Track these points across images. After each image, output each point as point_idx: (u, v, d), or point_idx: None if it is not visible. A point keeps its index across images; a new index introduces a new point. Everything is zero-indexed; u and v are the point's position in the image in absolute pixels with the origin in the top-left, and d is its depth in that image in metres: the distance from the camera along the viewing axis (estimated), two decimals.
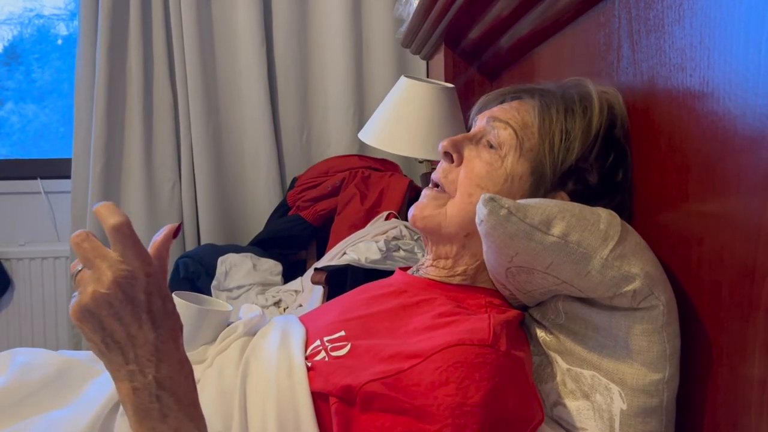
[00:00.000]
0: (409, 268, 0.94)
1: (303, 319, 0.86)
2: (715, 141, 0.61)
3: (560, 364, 0.75)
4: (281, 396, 0.69)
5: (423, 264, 0.88)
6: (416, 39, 1.65)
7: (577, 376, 0.73)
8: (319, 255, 2.10)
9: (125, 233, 0.54)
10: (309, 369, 0.71)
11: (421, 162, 1.93)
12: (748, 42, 0.56)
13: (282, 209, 2.33)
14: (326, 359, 0.72)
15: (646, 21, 0.75)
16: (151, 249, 0.57)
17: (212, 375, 0.74)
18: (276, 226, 2.26)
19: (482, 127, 0.83)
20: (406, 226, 1.80)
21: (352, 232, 1.90)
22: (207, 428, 0.58)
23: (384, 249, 1.61)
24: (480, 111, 0.88)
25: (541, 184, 0.78)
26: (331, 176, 2.22)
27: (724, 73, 0.60)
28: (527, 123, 0.80)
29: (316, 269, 1.54)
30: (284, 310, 1.72)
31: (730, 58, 0.59)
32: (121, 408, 0.71)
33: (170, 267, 2.08)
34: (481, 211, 0.68)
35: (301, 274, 1.90)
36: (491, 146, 0.80)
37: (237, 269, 1.95)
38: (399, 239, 1.75)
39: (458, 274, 0.82)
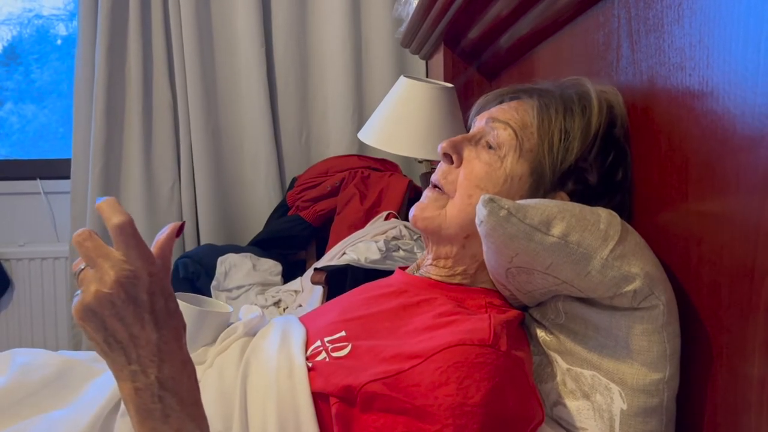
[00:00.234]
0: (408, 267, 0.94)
1: (303, 320, 0.86)
2: (715, 140, 0.61)
3: (560, 363, 0.75)
4: (282, 396, 0.69)
5: (423, 263, 0.88)
6: (415, 39, 1.65)
7: (577, 375, 0.73)
8: (319, 255, 2.10)
9: (128, 232, 0.53)
10: (310, 369, 0.71)
11: (420, 162, 1.93)
12: (747, 41, 0.56)
13: (281, 209, 2.33)
14: (327, 360, 0.72)
15: (646, 20, 0.75)
16: (154, 248, 0.57)
17: (212, 376, 0.74)
18: (275, 226, 2.26)
19: (481, 128, 0.83)
20: (405, 226, 1.80)
21: (352, 232, 1.90)
22: (209, 429, 0.58)
23: (384, 249, 1.61)
24: (479, 111, 0.88)
25: (541, 185, 0.78)
26: (330, 176, 2.22)
27: (724, 73, 0.60)
28: (526, 123, 0.80)
29: (315, 269, 1.54)
30: (284, 310, 1.72)
31: (729, 58, 0.59)
32: (121, 408, 0.71)
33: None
34: (480, 212, 0.68)
35: (301, 274, 1.90)
36: (490, 147, 0.80)
37: (237, 269, 1.95)
38: (399, 239, 1.75)
39: (458, 274, 0.82)
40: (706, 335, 0.65)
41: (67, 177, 2.46)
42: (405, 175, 2.23)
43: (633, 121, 0.80)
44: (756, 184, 0.56)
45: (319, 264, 1.73)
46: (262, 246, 2.19)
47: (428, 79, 1.52)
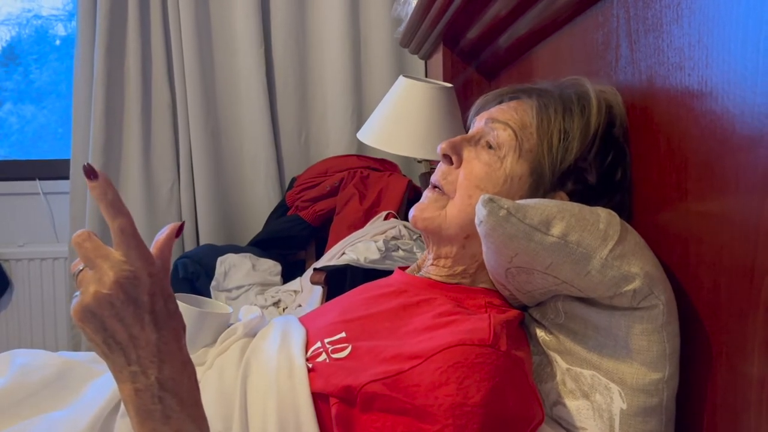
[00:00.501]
0: (408, 267, 0.94)
1: (303, 320, 0.86)
2: (714, 140, 0.62)
3: (560, 363, 0.75)
4: (282, 397, 0.69)
5: (424, 264, 0.88)
6: (415, 39, 1.65)
7: (577, 375, 0.73)
8: (318, 255, 2.10)
9: (129, 233, 0.53)
10: (310, 370, 0.71)
11: (419, 162, 1.93)
12: (746, 41, 0.56)
13: (281, 209, 2.33)
14: (327, 361, 0.72)
15: (645, 20, 0.75)
16: (153, 248, 0.56)
17: (212, 376, 0.74)
18: (275, 227, 2.26)
19: (481, 128, 0.83)
20: (405, 226, 1.80)
21: (351, 232, 1.90)
22: (209, 429, 0.58)
23: (383, 249, 1.61)
24: (478, 112, 0.88)
25: (541, 185, 0.78)
26: (329, 176, 2.22)
27: (723, 73, 0.60)
28: (526, 123, 0.80)
29: (315, 269, 1.54)
30: (283, 310, 1.72)
31: (728, 57, 0.59)
32: (121, 409, 0.71)
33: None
34: (480, 212, 0.68)
35: (301, 275, 1.90)
36: (490, 147, 0.80)
37: (236, 269, 1.95)
38: (398, 239, 1.75)
39: (458, 274, 0.82)
40: (706, 335, 0.65)
41: (67, 177, 2.46)
42: (404, 175, 2.23)
43: (632, 120, 0.80)
44: (755, 183, 0.56)
45: (319, 264, 1.73)
46: (262, 246, 2.19)
47: (427, 79, 1.52)
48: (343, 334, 0.76)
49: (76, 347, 2.44)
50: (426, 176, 1.75)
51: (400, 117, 1.44)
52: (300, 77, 2.50)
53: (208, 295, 1.87)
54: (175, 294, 0.74)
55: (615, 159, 0.79)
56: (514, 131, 0.79)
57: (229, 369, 0.75)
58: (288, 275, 2.00)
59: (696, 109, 0.64)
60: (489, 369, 0.64)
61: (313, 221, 2.19)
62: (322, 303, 1.44)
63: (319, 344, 0.75)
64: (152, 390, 0.53)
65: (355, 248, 1.65)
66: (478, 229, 0.70)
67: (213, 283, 1.93)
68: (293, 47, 2.48)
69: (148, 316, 0.54)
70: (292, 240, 2.22)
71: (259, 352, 0.76)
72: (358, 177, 2.15)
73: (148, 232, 2.38)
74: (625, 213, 0.79)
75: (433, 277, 0.84)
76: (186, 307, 0.79)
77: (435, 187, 0.84)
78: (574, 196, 0.78)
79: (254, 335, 0.82)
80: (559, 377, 0.75)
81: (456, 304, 0.77)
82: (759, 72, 0.54)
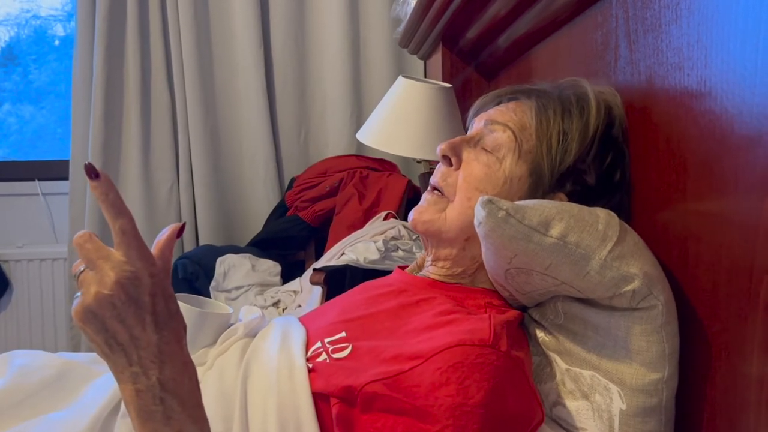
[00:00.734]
0: (408, 266, 0.94)
1: (303, 320, 0.86)
2: (713, 140, 0.62)
3: (559, 364, 0.75)
4: (282, 397, 0.69)
5: (423, 264, 0.88)
6: (414, 39, 1.65)
7: (577, 376, 0.73)
8: (318, 255, 2.10)
9: (130, 233, 0.53)
10: (310, 370, 0.71)
11: (419, 162, 1.93)
12: (745, 41, 0.56)
13: (280, 210, 2.33)
14: (327, 361, 0.72)
15: (644, 20, 0.75)
16: (154, 249, 0.56)
17: (213, 377, 0.74)
18: (274, 227, 2.26)
19: (480, 130, 0.83)
20: (404, 226, 1.80)
21: (351, 233, 1.90)
22: (210, 430, 0.58)
23: (382, 249, 1.61)
24: (477, 113, 0.88)
25: (540, 186, 0.78)
26: (329, 176, 2.22)
27: (722, 72, 0.60)
28: (525, 125, 0.80)
29: (314, 270, 1.54)
30: (283, 310, 1.72)
31: (727, 57, 0.59)
32: (121, 410, 0.71)
33: None
34: (479, 213, 0.68)
35: (300, 275, 1.90)
36: (490, 148, 0.80)
37: (236, 270, 1.95)
38: (397, 239, 1.75)
39: (457, 275, 0.82)
40: (705, 335, 0.65)
41: (66, 178, 2.45)
42: (403, 175, 2.23)
43: (631, 121, 0.80)
44: (754, 183, 0.56)
45: (318, 264, 1.73)
46: (261, 246, 2.19)
47: (426, 79, 1.53)
48: (343, 334, 0.76)
49: (75, 348, 2.44)
50: (425, 176, 1.75)
51: (400, 117, 1.44)
52: (299, 77, 2.50)
53: (208, 296, 1.87)
54: (175, 294, 0.74)
55: (614, 160, 0.79)
56: (514, 133, 0.79)
57: (229, 369, 0.75)
58: (287, 275, 2.00)
59: (695, 109, 0.64)
60: (489, 369, 0.64)
61: (312, 221, 2.19)
62: (321, 303, 1.44)
63: (319, 344, 0.75)
64: (153, 391, 0.53)
65: (354, 248, 1.65)
66: (477, 231, 0.70)
67: (212, 283, 1.93)
68: (292, 47, 2.48)
69: (149, 316, 0.53)
70: (291, 240, 2.22)
71: (260, 353, 0.76)
72: (357, 177, 2.15)
73: (147, 232, 2.37)
74: (624, 213, 0.79)
75: (433, 277, 0.84)
76: (186, 307, 0.79)
77: (434, 189, 0.84)
78: (573, 197, 0.78)
79: (254, 335, 0.82)
80: (558, 378, 0.75)
81: (456, 304, 0.77)
82: (758, 72, 0.54)
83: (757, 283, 0.56)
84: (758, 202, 0.55)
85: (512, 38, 1.23)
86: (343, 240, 1.85)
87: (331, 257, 1.74)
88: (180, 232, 0.58)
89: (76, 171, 2.41)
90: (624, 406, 0.68)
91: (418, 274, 0.88)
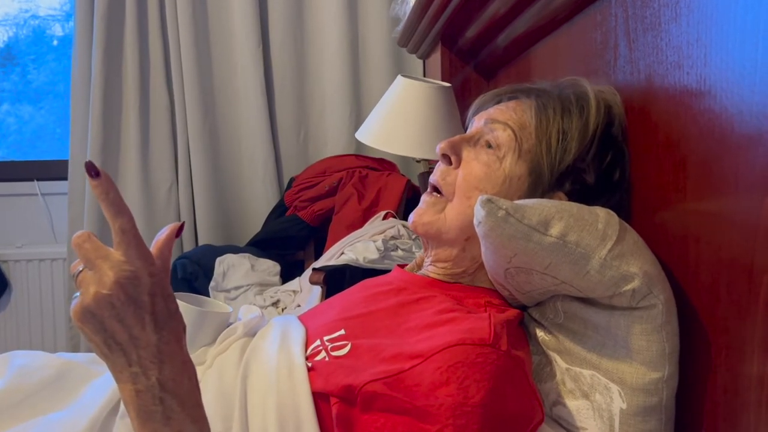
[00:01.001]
0: (407, 265, 0.94)
1: (302, 318, 0.86)
2: (712, 139, 0.62)
3: (559, 363, 0.75)
4: (282, 396, 0.69)
5: (423, 263, 0.88)
6: (413, 38, 1.65)
7: (577, 375, 0.73)
8: (317, 255, 2.10)
9: (130, 232, 0.53)
10: (309, 369, 0.71)
11: (418, 161, 1.92)
12: (745, 39, 0.56)
13: (279, 209, 2.33)
14: (326, 359, 0.72)
15: (643, 19, 0.75)
16: (153, 248, 0.56)
17: (212, 376, 0.74)
18: (274, 227, 2.26)
19: (480, 128, 0.83)
20: (403, 226, 1.80)
21: (350, 232, 1.90)
22: (210, 430, 0.58)
23: (382, 249, 1.61)
24: (477, 111, 0.88)
25: (539, 185, 0.78)
26: (328, 176, 2.22)
27: (721, 71, 0.60)
28: (525, 124, 0.79)
29: (314, 269, 1.54)
30: (282, 310, 1.72)
31: (726, 56, 0.59)
32: (120, 410, 0.71)
33: None
34: (479, 213, 0.68)
35: (299, 275, 1.90)
36: (490, 146, 0.80)
37: (235, 270, 1.95)
38: (397, 239, 1.75)
39: (457, 275, 0.82)
40: (705, 334, 0.65)
41: (65, 178, 2.45)
42: (403, 175, 2.23)
43: (631, 120, 0.80)
44: (754, 182, 0.56)
45: (318, 264, 1.73)
46: (261, 246, 2.19)
47: (425, 79, 1.52)
48: (342, 332, 0.75)
49: (74, 348, 2.44)
50: (424, 176, 1.74)
51: (399, 116, 1.43)
52: (298, 77, 2.50)
53: (207, 296, 1.86)
54: (175, 293, 0.73)
55: (613, 159, 0.79)
56: (514, 131, 0.79)
57: (228, 369, 0.75)
58: (287, 275, 2.00)
59: (694, 107, 0.64)
60: (489, 369, 0.64)
61: (311, 221, 2.19)
62: (321, 303, 1.44)
63: (318, 342, 0.75)
64: (153, 391, 0.53)
65: (353, 248, 1.65)
66: (477, 230, 0.70)
67: (212, 283, 1.93)
68: (291, 46, 2.48)
69: (148, 316, 0.53)
70: (290, 240, 2.22)
71: (259, 352, 0.76)
72: (356, 177, 2.15)
73: (146, 232, 2.37)
74: (624, 212, 0.79)
75: (432, 276, 0.84)
76: (186, 306, 0.79)
77: (433, 189, 0.83)
78: (572, 196, 0.78)
79: (254, 335, 0.82)
80: (558, 377, 0.75)
81: (455, 302, 0.77)
82: (757, 70, 0.54)
83: (757, 281, 0.55)
84: (758, 201, 0.55)
85: (511, 37, 1.23)
86: (343, 240, 1.85)
87: (331, 257, 1.74)
88: (179, 231, 0.58)
89: (75, 171, 2.41)
90: (624, 406, 0.68)
91: (417, 273, 0.87)
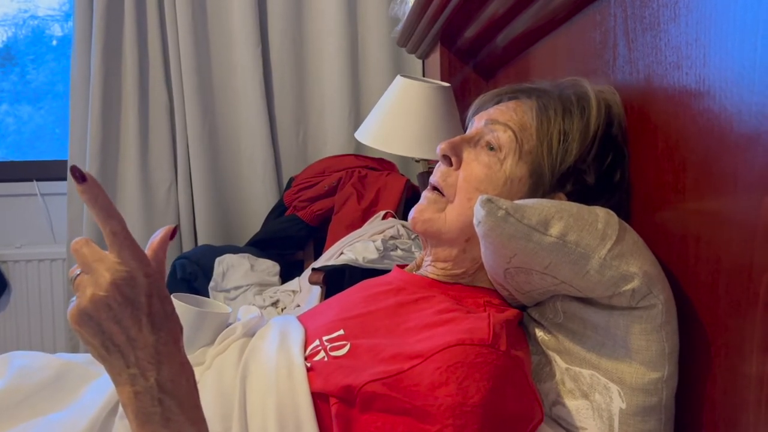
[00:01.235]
0: (407, 265, 0.93)
1: (302, 318, 0.86)
2: (711, 139, 0.62)
3: (559, 363, 0.75)
4: (281, 397, 0.69)
5: (422, 264, 0.88)
6: (412, 38, 1.65)
7: (576, 375, 0.73)
8: (317, 255, 2.10)
9: (121, 235, 0.54)
10: (308, 369, 0.71)
11: (417, 161, 1.92)
12: (744, 39, 0.56)
13: (279, 209, 2.32)
14: (325, 359, 0.72)
15: (642, 19, 0.75)
16: (148, 251, 0.56)
17: (211, 377, 0.74)
18: (273, 227, 2.26)
19: (480, 129, 0.82)
20: (403, 225, 1.80)
21: (350, 232, 1.90)
22: (209, 431, 0.58)
23: (381, 248, 1.61)
24: (477, 112, 0.87)
25: (540, 186, 0.78)
26: (327, 176, 2.22)
27: (720, 71, 0.60)
28: (525, 125, 0.79)
29: (313, 269, 1.54)
30: (282, 310, 1.72)
31: (725, 56, 0.59)
32: (119, 410, 0.71)
33: (167, 268, 2.08)
34: (478, 213, 0.68)
35: (299, 275, 1.90)
36: (491, 148, 0.80)
37: (234, 270, 1.95)
38: (396, 238, 1.75)
39: (457, 275, 0.82)
40: (705, 334, 0.65)
41: (64, 178, 2.45)
42: (402, 175, 2.23)
43: (630, 120, 0.80)
44: (753, 182, 0.56)
45: (317, 264, 1.73)
46: (260, 246, 2.19)
47: (425, 79, 1.52)
48: (342, 332, 0.75)
49: (74, 348, 2.44)
50: (424, 176, 1.74)
51: (398, 116, 1.43)
52: (297, 76, 2.50)
53: (207, 296, 1.86)
54: (174, 294, 0.73)
55: (614, 160, 0.79)
56: (515, 133, 0.79)
57: (228, 369, 0.75)
58: (286, 275, 2.00)
59: (693, 107, 0.64)
60: (489, 369, 0.64)
61: (311, 221, 2.19)
62: (320, 303, 1.44)
63: (317, 342, 0.75)
64: (152, 392, 0.53)
65: (353, 248, 1.65)
66: (477, 230, 0.70)
67: (211, 283, 1.93)
68: (290, 46, 2.48)
69: (145, 317, 0.53)
70: (290, 240, 2.22)
71: (258, 352, 0.76)
72: (356, 177, 2.15)
73: (145, 233, 2.37)
74: (623, 212, 0.79)
75: (432, 277, 0.84)
76: (185, 306, 0.79)
77: (434, 188, 0.83)
78: (572, 197, 0.78)
79: (253, 335, 0.82)
80: (558, 377, 0.75)
81: (455, 302, 0.77)
82: (756, 70, 0.54)
83: (757, 281, 0.56)
84: (757, 201, 0.55)
85: (510, 37, 1.23)
86: (342, 239, 1.85)
87: (330, 257, 1.73)
88: (173, 234, 0.58)
89: None
90: (624, 405, 0.68)
91: (416, 273, 0.87)
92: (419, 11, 1.45)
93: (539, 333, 0.79)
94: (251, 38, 2.40)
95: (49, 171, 2.57)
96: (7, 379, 0.78)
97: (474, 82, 1.57)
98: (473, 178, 0.79)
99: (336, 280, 1.49)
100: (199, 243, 2.42)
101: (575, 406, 0.72)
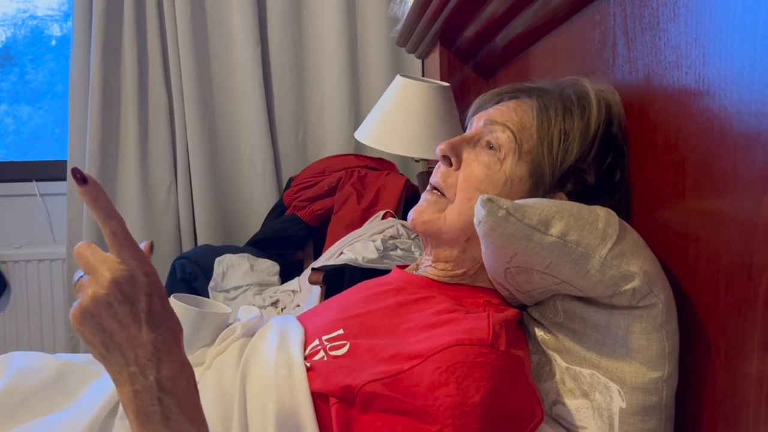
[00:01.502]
0: (407, 266, 0.93)
1: (301, 318, 0.86)
2: (711, 138, 0.62)
3: (559, 362, 0.75)
4: (281, 397, 0.69)
5: (422, 263, 0.88)
6: (411, 38, 1.65)
7: (576, 374, 0.73)
8: (316, 255, 2.10)
9: (121, 235, 0.54)
10: (308, 369, 0.71)
11: (417, 161, 1.92)
12: (743, 39, 0.56)
13: (278, 209, 2.33)
14: (325, 359, 0.72)
15: (641, 19, 0.75)
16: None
17: (211, 377, 0.74)
18: (273, 227, 2.26)
19: (479, 129, 0.82)
20: (402, 225, 1.80)
21: (349, 232, 1.90)
22: (209, 431, 0.58)
23: (381, 248, 1.61)
24: (476, 111, 0.87)
25: (540, 186, 0.78)
26: (327, 176, 2.22)
27: (719, 71, 0.60)
28: (525, 125, 0.79)
29: (313, 269, 1.54)
30: (282, 310, 1.72)
31: (725, 56, 0.59)
32: (119, 411, 0.71)
33: (167, 268, 2.08)
34: (479, 212, 0.68)
35: (299, 274, 1.90)
36: (491, 147, 0.80)
37: (234, 270, 1.95)
38: (396, 238, 1.75)
39: (458, 276, 0.82)
40: (705, 333, 0.65)
41: (64, 179, 2.45)
42: (402, 174, 2.23)
43: (630, 119, 0.80)
44: (753, 181, 0.56)
45: (317, 264, 1.73)
46: (260, 246, 2.19)
47: (424, 78, 1.52)
48: (341, 332, 0.75)
49: (74, 349, 2.44)
50: (423, 175, 1.74)
51: (398, 116, 1.43)
52: (297, 76, 2.50)
53: (206, 296, 1.86)
54: (174, 294, 0.74)
55: (614, 159, 0.79)
56: (513, 133, 0.79)
57: (227, 369, 0.75)
58: (286, 275, 2.00)
59: (693, 107, 0.64)
60: (488, 369, 0.64)
61: (310, 221, 2.19)
62: (320, 303, 1.44)
63: (317, 342, 0.75)
64: (151, 391, 0.53)
65: (353, 248, 1.65)
66: (477, 229, 0.70)
67: (211, 283, 1.93)
68: (290, 46, 2.48)
69: (144, 315, 0.54)
70: (290, 240, 2.22)
71: (258, 352, 0.76)
72: (355, 176, 2.15)
73: (145, 233, 2.37)
74: (623, 212, 0.79)
75: (432, 277, 0.84)
76: (185, 306, 0.79)
77: (434, 189, 0.83)
78: (572, 197, 0.78)
79: (253, 335, 0.82)
80: (558, 376, 0.75)
81: (454, 302, 0.77)
82: (756, 69, 0.54)
83: (756, 280, 0.56)
84: (757, 200, 0.55)
85: (510, 37, 1.23)
86: (342, 239, 1.85)
87: (330, 257, 1.74)
88: (150, 249, 0.59)
89: None
90: (624, 405, 0.68)
91: (416, 273, 0.87)
92: (419, 11, 1.45)
93: (539, 332, 0.79)
94: (251, 38, 2.40)
95: (49, 171, 2.57)
96: (6, 379, 0.78)
97: (473, 82, 1.57)
98: (473, 179, 0.79)
99: (336, 279, 1.49)
100: (199, 243, 2.43)
101: (575, 406, 0.72)
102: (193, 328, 0.79)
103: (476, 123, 0.84)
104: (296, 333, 0.78)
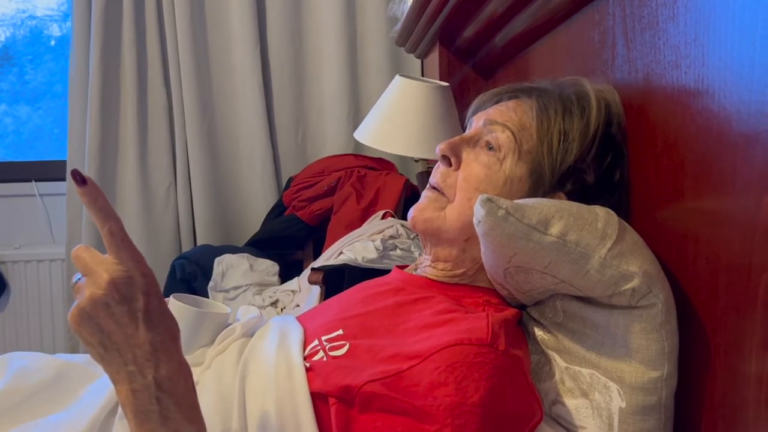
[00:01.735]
0: (406, 266, 0.93)
1: (301, 318, 0.86)
2: (710, 138, 0.62)
3: (558, 362, 0.75)
4: (281, 397, 0.69)
5: (421, 263, 0.88)
6: (411, 38, 1.65)
7: (576, 374, 0.73)
8: (316, 255, 2.10)
9: (119, 235, 0.55)
10: (308, 369, 0.71)
11: (416, 161, 1.92)
12: (743, 39, 0.56)
13: (278, 209, 2.33)
14: (324, 359, 0.72)
15: (641, 18, 0.75)
16: None
17: (211, 377, 0.74)
18: (272, 227, 2.26)
19: (479, 129, 0.82)
20: (402, 225, 1.80)
21: (349, 232, 1.90)
22: (207, 431, 0.58)
23: (380, 248, 1.62)
24: (476, 111, 0.87)
25: (540, 186, 0.78)
26: (326, 176, 2.22)
27: (719, 70, 0.60)
28: (525, 124, 0.79)
29: (313, 269, 1.54)
30: (281, 310, 1.72)
31: (724, 55, 0.59)
32: (119, 411, 0.71)
33: (167, 268, 2.08)
34: (478, 212, 0.68)
35: (298, 274, 1.90)
36: (491, 147, 0.80)
37: (234, 270, 1.95)
38: (395, 238, 1.75)
39: (457, 276, 0.82)
40: (704, 333, 0.65)
41: (63, 179, 2.45)
42: (401, 174, 2.23)
43: (629, 119, 0.80)
44: (752, 181, 0.56)
45: (317, 264, 1.73)
46: (259, 246, 2.19)
47: (424, 78, 1.52)
48: (341, 332, 0.75)
49: (73, 349, 2.44)
50: (423, 175, 1.74)
51: (397, 116, 1.43)
52: (296, 76, 2.50)
53: (206, 296, 1.86)
54: (174, 294, 0.74)
55: (613, 159, 0.79)
56: (513, 133, 0.79)
57: (227, 370, 0.75)
58: (286, 275, 2.00)
59: (692, 106, 0.64)
60: (487, 369, 0.64)
61: (310, 221, 2.19)
62: (320, 303, 1.44)
63: (316, 342, 0.75)
64: (150, 390, 0.54)
65: (352, 248, 1.65)
66: (476, 229, 0.70)
67: (210, 283, 1.93)
68: (289, 46, 2.48)
69: (142, 315, 0.54)
70: (289, 240, 2.22)
71: (257, 352, 0.76)
72: (355, 176, 2.15)
73: (144, 233, 2.38)
74: (623, 212, 0.79)
75: (431, 277, 0.84)
76: (184, 306, 0.79)
77: (434, 189, 0.83)
78: (572, 196, 0.78)
79: (252, 335, 0.82)
80: (557, 376, 0.75)
81: (454, 302, 0.77)
82: (755, 69, 0.54)
83: (756, 280, 0.56)
84: (756, 200, 0.55)
85: (509, 37, 1.23)
86: (341, 239, 1.85)
87: (329, 256, 1.74)
88: None
89: None
90: (623, 404, 0.68)
91: (415, 273, 0.87)
92: (418, 10, 1.45)
93: (539, 332, 0.79)
94: (250, 38, 2.40)
95: (48, 171, 2.57)
96: (6, 380, 0.78)
97: (473, 82, 1.57)
98: (473, 178, 0.79)
99: (335, 279, 1.49)
100: (199, 243, 2.43)
101: (575, 405, 0.72)
102: (193, 328, 0.79)
103: (476, 123, 0.84)
104: (296, 333, 0.78)
